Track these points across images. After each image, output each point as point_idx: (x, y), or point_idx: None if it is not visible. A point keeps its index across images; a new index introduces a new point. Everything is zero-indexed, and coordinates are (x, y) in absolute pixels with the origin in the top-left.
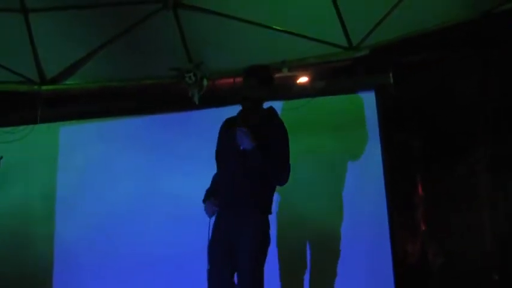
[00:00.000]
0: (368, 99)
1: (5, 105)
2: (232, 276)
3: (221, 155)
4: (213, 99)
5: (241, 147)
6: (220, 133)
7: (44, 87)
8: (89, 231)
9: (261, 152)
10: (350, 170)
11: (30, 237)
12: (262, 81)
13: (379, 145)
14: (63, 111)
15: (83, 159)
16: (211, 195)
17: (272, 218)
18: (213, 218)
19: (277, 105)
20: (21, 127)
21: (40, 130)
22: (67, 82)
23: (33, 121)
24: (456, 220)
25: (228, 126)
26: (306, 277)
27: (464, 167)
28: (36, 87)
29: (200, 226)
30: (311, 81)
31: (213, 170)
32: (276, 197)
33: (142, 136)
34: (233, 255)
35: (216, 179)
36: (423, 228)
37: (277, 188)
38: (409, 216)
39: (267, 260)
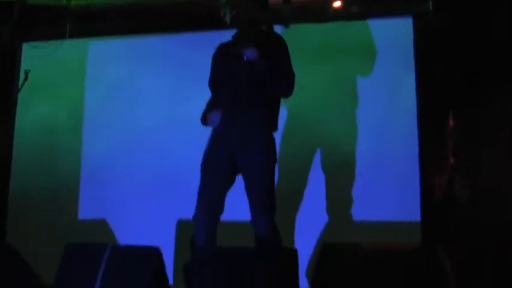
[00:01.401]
0: (404, 26)
1: (34, 19)
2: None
3: (220, 79)
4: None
5: (245, 58)
6: (214, 59)
7: (73, 2)
8: (114, 146)
9: (264, 62)
10: (382, 97)
11: (58, 152)
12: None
13: (413, 74)
14: (92, 26)
15: (111, 75)
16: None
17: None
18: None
19: (311, 27)
20: (50, 42)
21: (69, 45)
22: None
23: (62, 36)
24: (486, 154)
25: (222, 51)
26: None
27: (498, 101)
28: (65, 1)
29: None
30: (346, 4)
31: None
32: (301, 120)
33: (171, 54)
34: (234, 172)
35: (210, 103)
36: (452, 160)
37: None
38: (439, 147)
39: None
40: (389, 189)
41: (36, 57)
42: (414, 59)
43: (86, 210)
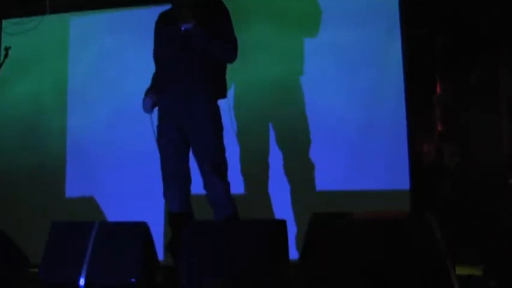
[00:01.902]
0: None
1: None
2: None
3: (162, 50)
4: None
5: (183, 28)
6: (155, 30)
7: None
8: (100, 122)
9: (202, 29)
10: (369, 65)
11: (42, 129)
12: None
13: (399, 41)
14: (72, 1)
15: (94, 51)
16: (150, 91)
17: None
18: (155, 115)
19: None
20: (30, 18)
21: (49, 21)
22: None
23: (43, 12)
24: (474, 121)
25: (162, 21)
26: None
27: (486, 68)
28: None
29: None
30: None
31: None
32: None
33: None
34: (186, 138)
35: (156, 77)
36: (441, 128)
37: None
38: (427, 115)
39: None
40: (378, 158)
41: (17, 34)
42: (400, 25)
43: (73, 188)
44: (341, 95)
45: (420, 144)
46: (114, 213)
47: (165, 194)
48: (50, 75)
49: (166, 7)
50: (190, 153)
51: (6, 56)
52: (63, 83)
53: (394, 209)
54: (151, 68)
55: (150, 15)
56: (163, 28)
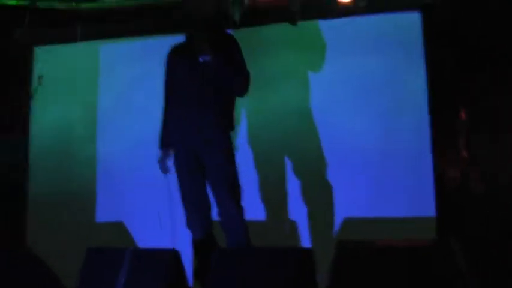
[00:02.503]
0: (413, 19)
1: (44, 23)
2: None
3: (177, 81)
4: (253, 18)
5: (201, 59)
6: (168, 61)
7: (83, 5)
8: (129, 148)
9: (219, 62)
10: (393, 91)
11: (73, 156)
12: None
13: (423, 67)
14: (102, 29)
15: (124, 78)
16: (166, 144)
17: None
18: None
19: (319, 24)
20: (62, 45)
21: (80, 49)
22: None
23: (73, 39)
24: (499, 147)
25: (177, 52)
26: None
27: (510, 92)
28: (74, 4)
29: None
30: (354, 0)
31: (251, 89)
32: (312, 117)
33: None
34: (202, 164)
35: (168, 117)
36: (466, 153)
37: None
38: (452, 140)
39: None
40: (402, 184)
41: (48, 62)
42: (424, 52)
43: (104, 213)
44: (364, 121)
45: (445, 169)
46: (143, 238)
47: (188, 223)
48: (80, 103)
49: None
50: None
51: (39, 84)
52: (93, 111)
53: (419, 237)
54: None
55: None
56: (178, 60)
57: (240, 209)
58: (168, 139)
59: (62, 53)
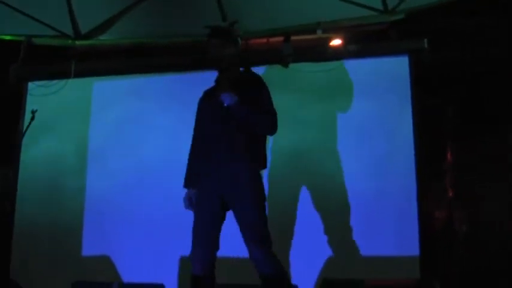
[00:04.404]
0: (401, 63)
1: (40, 59)
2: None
3: (204, 125)
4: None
5: (225, 104)
6: (198, 107)
7: (78, 42)
8: (119, 183)
9: (244, 106)
10: (380, 134)
11: (63, 188)
12: (225, 40)
13: (410, 110)
14: (96, 66)
15: (115, 114)
16: (189, 184)
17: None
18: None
19: (310, 66)
20: (55, 81)
21: (73, 85)
22: (101, 38)
23: (67, 75)
24: (484, 188)
25: (205, 96)
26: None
27: (495, 136)
28: (70, 41)
29: None
30: (344, 44)
31: None
32: (302, 158)
33: (174, 94)
34: (224, 207)
35: (192, 158)
36: (451, 195)
37: (304, 149)
38: (437, 181)
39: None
40: (388, 225)
41: (42, 96)
42: (411, 96)
43: (90, 247)
44: (353, 163)
45: (430, 211)
46: (129, 273)
47: (191, 256)
48: (72, 137)
49: (186, 75)
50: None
51: (32, 118)
52: (83, 145)
53: (404, 276)
54: (170, 133)
55: (170, 81)
56: (205, 103)
57: (267, 255)
58: (192, 180)
59: (55, 88)
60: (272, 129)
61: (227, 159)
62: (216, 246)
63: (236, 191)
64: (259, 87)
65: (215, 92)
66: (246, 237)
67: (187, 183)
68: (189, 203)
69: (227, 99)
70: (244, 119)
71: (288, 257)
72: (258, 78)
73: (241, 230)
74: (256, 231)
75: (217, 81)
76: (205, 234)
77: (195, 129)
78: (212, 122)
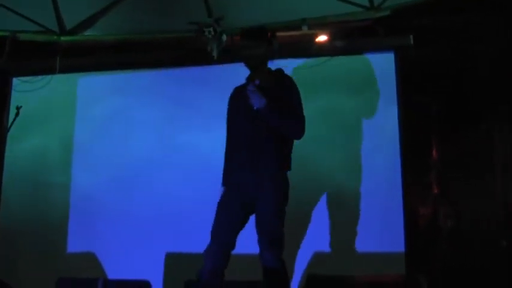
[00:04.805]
0: (386, 60)
1: (24, 54)
2: (238, 230)
3: (234, 122)
4: (231, 55)
5: (254, 107)
6: (229, 104)
7: (63, 38)
8: (104, 180)
9: (274, 109)
10: (366, 130)
11: (48, 184)
12: (262, 41)
13: (396, 107)
14: (81, 62)
15: (100, 110)
16: (224, 183)
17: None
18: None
19: (296, 62)
20: (40, 77)
21: (58, 80)
22: (86, 33)
23: (52, 71)
24: (468, 184)
25: (235, 94)
26: (316, 233)
27: (479, 132)
28: (55, 37)
29: (214, 180)
30: (330, 40)
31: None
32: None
33: (159, 89)
34: (248, 208)
35: (227, 158)
36: (435, 191)
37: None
38: (422, 178)
39: None
40: (373, 221)
41: (27, 92)
42: (396, 92)
43: (75, 244)
44: (338, 159)
45: (416, 207)
46: (114, 269)
47: (205, 251)
48: (57, 133)
49: (171, 71)
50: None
51: (17, 114)
52: (69, 141)
53: (389, 272)
54: (156, 129)
55: (155, 77)
56: (238, 103)
57: (277, 262)
58: (224, 177)
59: (40, 84)
60: (299, 134)
61: (254, 159)
62: (230, 245)
63: (259, 192)
64: (290, 89)
65: (245, 92)
66: (260, 238)
67: (223, 182)
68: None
69: (256, 102)
70: (272, 123)
71: None
72: (288, 79)
73: (257, 229)
74: (272, 234)
75: (248, 79)
76: (224, 238)
77: (228, 128)
78: (242, 121)
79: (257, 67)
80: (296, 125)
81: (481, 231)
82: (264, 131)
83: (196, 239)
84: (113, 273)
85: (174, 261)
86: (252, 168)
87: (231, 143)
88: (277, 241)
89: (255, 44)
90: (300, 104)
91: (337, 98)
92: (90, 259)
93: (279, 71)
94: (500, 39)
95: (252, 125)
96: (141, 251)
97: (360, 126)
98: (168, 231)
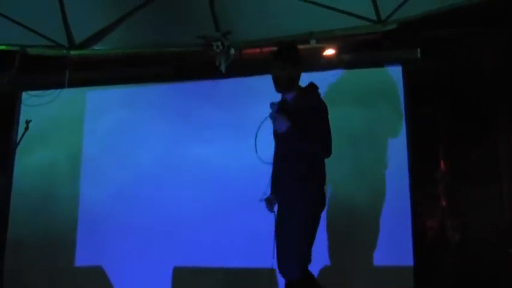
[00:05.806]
0: (394, 73)
1: (34, 68)
2: None
3: (275, 138)
4: (239, 68)
5: (279, 131)
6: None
7: (73, 52)
8: (112, 193)
9: (298, 133)
10: (374, 143)
11: (56, 197)
12: (290, 61)
13: (404, 119)
14: (90, 76)
15: (108, 124)
16: (271, 189)
17: None
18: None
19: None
20: (49, 91)
21: (67, 94)
22: (95, 48)
23: (61, 85)
24: (476, 196)
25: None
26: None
27: (487, 144)
28: (64, 51)
29: (219, 191)
30: (338, 53)
31: (236, 138)
32: None
33: (167, 103)
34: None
35: (273, 169)
36: (443, 203)
37: None
38: (430, 190)
39: None
40: (381, 234)
41: (36, 106)
42: (404, 104)
43: (83, 257)
44: (346, 172)
45: (423, 219)
46: (122, 283)
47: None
48: (65, 146)
49: (179, 85)
50: None
51: (26, 129)
52: (77, 154)
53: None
54: (164, 142)
55: (163, 91)
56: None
57: (292, 273)
58: (271, 186)
59: (49, 98)
60: (325, 153)
61: (285, 176)
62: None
63: (284, 207)
64: (315, 110)
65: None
66: (278, 249)
67: (271, 188)
68: (269, 206)
69: (280, 125)
70: (297, 143)
71: None
72: (314, 99)
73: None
74: (289, 249)
75: (273, 103)
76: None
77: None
78: (278, 137)
79: (285, 87)
80: (319, 145)
81: (490, 244)
82: (286, 148)
83: (204, 254)
84: (121, 287)
85: (181, 276)
86: (282, 183)
87: (274, 156)
88: (292, 252)
89: (283, 65)
90: (325, 124)
91: (344, 112)
92: (97, 272)
93: (310, 88)
94: (506, 51)
95: (280, 147)
96: (148, 264)
97: (367, 139)
98: (176, 245)
